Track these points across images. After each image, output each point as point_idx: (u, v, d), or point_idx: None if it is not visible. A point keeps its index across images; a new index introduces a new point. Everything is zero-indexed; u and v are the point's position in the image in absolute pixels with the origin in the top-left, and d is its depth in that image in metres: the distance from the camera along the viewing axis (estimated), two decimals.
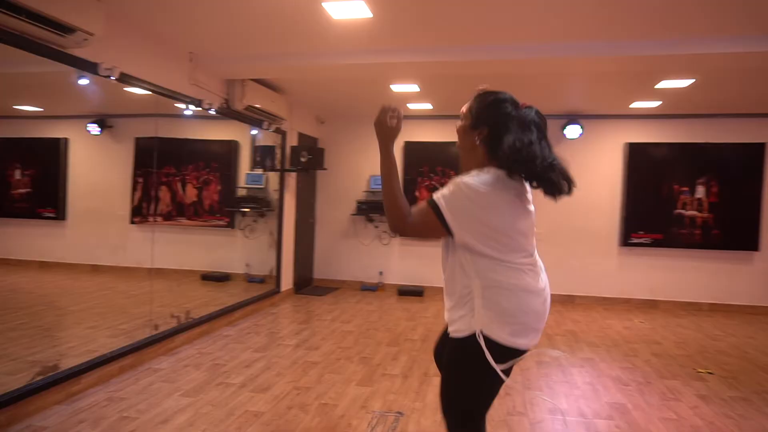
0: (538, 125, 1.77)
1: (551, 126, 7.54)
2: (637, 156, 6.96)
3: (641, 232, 6.96)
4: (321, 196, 7.95)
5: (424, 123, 7.62)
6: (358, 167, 7.81)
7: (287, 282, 6.99)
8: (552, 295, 7.37)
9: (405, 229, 1.80)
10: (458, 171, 1.88)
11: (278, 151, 6.64)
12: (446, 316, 1.90)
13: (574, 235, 7.23)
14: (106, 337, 4.34)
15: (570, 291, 7.22)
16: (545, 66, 4.50)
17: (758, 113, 6.64)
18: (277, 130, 6.42)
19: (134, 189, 5.91)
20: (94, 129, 5.39)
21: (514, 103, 1.83)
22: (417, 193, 7.54)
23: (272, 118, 6.07)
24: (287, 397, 3.53)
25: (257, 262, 7.01)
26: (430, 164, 7.52)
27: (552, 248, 7.26)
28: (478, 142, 1.82)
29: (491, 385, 1.81)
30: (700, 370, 4.35)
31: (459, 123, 1.89)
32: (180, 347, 4.55)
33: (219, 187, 6.81)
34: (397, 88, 5.82)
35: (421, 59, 4.49)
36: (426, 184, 7.53)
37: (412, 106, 6.93)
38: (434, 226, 1.74)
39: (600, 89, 5.80)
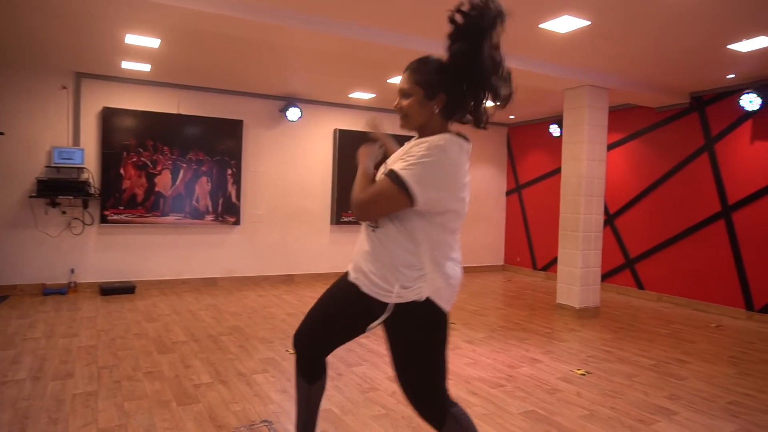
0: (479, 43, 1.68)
1: (271, 107, 7.57)
2: (346, 141, 7.65)
3: (349, 212, 7.72)
4: None
5: (135, 88, 6.39)
6: (32, 136, 5.92)
7: None
8: (272, 276, 7.50)
9: (365, 204, 1.71)
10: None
11: None
12: (369, 278, 1.80)
13: (292, 216, 7.43)
14: None
15: (289, 271, 7.40)
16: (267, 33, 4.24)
17: None
18: None
19: None
20: None
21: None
22: (122, 171, 6.27)
23: None
24: None
25: None
26: (139, 137, 6.36)
27: (271, 230, 7.29)
28: (437, 111, 1.76)
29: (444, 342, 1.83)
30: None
31: (405, 101, 1.77)
32: None
33: None
34: (133, 39, 4.72)
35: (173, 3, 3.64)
36: (134, 160, 6.34)
37: (127, 66, 5.72)
38: (394, 196, 1.66)
39: (322, 74, 6.01)
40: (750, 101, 5.48)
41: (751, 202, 5.73)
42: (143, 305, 5.62)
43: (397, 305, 1.75)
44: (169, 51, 5.14)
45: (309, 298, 6.32)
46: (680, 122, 6.45)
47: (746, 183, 5.77)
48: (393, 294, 1.74)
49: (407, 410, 3.08)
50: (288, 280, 7.37)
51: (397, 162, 1.73)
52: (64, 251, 6.09)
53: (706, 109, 6.18)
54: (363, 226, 1.90)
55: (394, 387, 3.45)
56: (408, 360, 1.81)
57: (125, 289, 6.17)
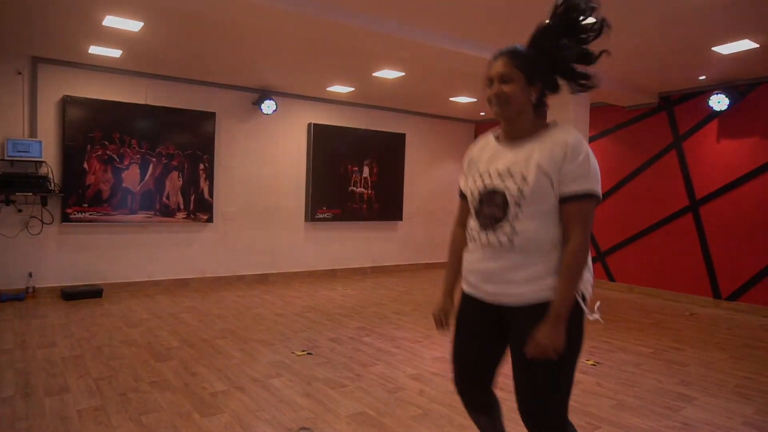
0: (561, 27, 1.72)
1: (244, 100, 7.23)
2: (320, 136, 7.45)
3: (324, 208, 7.53)
4: None
5: (98, 76, 5.91)
6: None
7: None
8: (246, 276, 7.19)
9: (588, 241, 1.64)
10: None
11: None
12: (516, 285, 1.69)
13: (266, 213, 7.15)
14: None
15: (263, 270, 7.12)
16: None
17: (401, 109, 8.22)
18: None
19: None
20: None
21: None
22: (85, 165, 5.79)
23: None
24: None
25: None
26: (104, 129, 5.88)
27: (245, 227, 6.99)
28: (534, 100, 1.72)
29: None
30: None
31: (507, 86, 1.68)
32: None
33: None
34: (112, 21, 4.34)
35: None
36: (99, 153, 5.86)
37: (95, 51, 5.27)
38: (594, 212, 1.66)
39: (299, 66, 5.83)
40: (719, 101, 5.80)
41: (718, 196, 6.08)
42: (117, 309, 5.21)
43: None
44: (148, 36, 4.77)
45: (291, 297, 6.10)
46: (649, 121, 6.74)
47: (713, 178, 6.11)
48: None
49: (444, 409, 3.01)
50: (263, 279, 7.09)
51: (573, 180, 1.61)
52: (21, 253, 5.54)
53: (674, 109, 6.49)
54: (480, 244, 1.75)
55: (421, 386, 3.37)
56: (547, 370, 1.66)
57: (91, 293, 5.70)
